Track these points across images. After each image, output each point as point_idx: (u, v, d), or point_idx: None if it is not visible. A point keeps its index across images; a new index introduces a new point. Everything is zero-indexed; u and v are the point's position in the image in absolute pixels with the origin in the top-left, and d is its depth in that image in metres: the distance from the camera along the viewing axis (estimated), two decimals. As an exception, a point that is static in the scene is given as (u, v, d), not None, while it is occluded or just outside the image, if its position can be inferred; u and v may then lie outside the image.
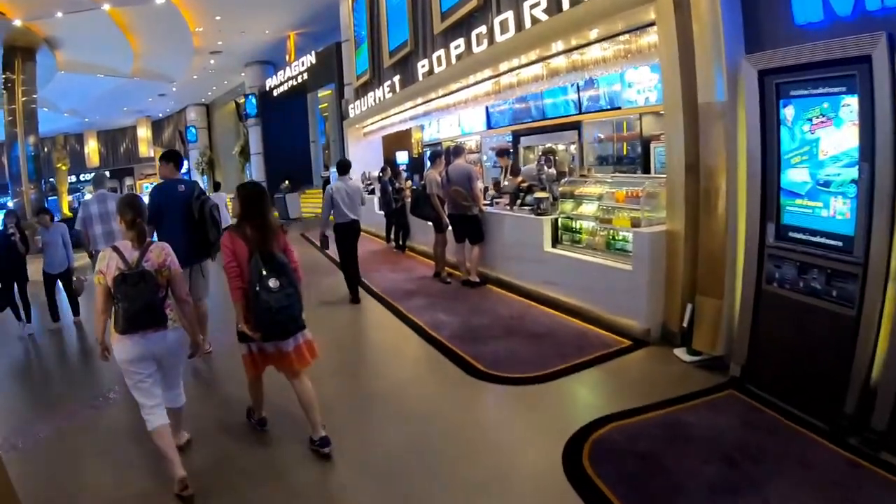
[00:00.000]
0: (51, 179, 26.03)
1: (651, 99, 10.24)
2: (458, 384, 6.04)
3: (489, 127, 15.92)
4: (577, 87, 11.94)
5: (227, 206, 14.07)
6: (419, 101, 14.60)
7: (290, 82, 26.76)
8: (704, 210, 6.04)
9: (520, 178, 10.01)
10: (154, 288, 4.14)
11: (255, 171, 32.30)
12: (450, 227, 10.21)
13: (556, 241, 8.64)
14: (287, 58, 27.48)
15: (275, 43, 27.50)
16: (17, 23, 20.09)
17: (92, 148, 46.80)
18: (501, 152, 11.88)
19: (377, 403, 5.75)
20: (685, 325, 6.25)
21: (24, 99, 23.49)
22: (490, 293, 9.45)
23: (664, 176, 7.10)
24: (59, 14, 19.67)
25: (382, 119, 18.21)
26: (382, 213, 15.39)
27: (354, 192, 9.56)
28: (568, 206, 8.48)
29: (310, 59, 24.91)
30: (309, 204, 28.03)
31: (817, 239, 4.65)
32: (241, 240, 4.43)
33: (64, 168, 25.79)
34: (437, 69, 12.78)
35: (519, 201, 9.61)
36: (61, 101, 33.07)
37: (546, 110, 13.25)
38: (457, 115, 17.07)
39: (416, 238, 13.84)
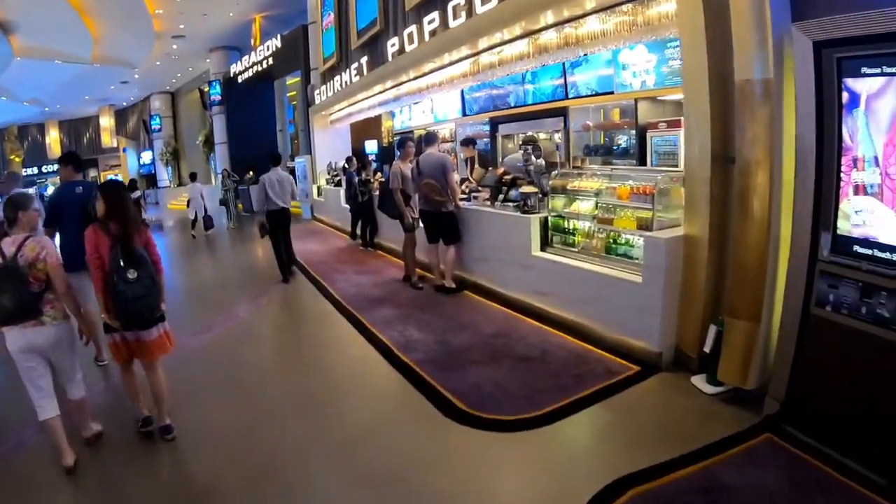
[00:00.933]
0: (4, 172, 24.31)
1: (648, 82, 9.16)
2: (433, 430, 4.88)
3: (465, 114, 14.72)
4: (564, 70, 10.86)
5: (202, 196, 14.72)
6: (389, 84, 13.41)
7: (256, 68, 25.48)
8: (738, 212, 4.89)
9: (501, 170, 8.91)
10: (23, 282, 4.26)
11: (220, 162, 30.88)
12: (421, 226, 9.09)
13: (545, 244, 7.50)
14: (252, 42, 26.19)
15: (240, 27, 26.27)
16: None
17: (53, 138, 44.74)
18: (466, 141, 10.79)
19: (333, 458, 4.56)
20: (707, 349, 5.16)
21: None
22: (468, 302, 8.31)
23: (677, 169, 6.03)
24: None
25: (350, 105, 16.98)
26: (348, 207, 14.16)
27: (285, 183, 10.67)
28: (559, 202, 7.36)
29: (275, 42, 23.59)
30: (275, 196, 26.67)
31: (888, 255, 3.63)
32: (104, 234, 4.59)
33: (18, 160, 24.41)
34: (408, 47, 11.63)
35: (502, 196, 8.47)
36: (20, 90, 31.72)
37: (528, 96, 12.14)
38: (429, 102, 16.02)
39: (384, 235, 12.64)
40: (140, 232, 4.78)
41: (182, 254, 16.62)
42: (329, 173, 18.56)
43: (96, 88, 34.75)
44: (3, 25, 21.36)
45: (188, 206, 19.84)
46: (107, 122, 42.81)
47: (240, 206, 21.27)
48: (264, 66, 24.60)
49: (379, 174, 14.13)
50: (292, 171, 21.61)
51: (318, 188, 19.85)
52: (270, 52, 23.93)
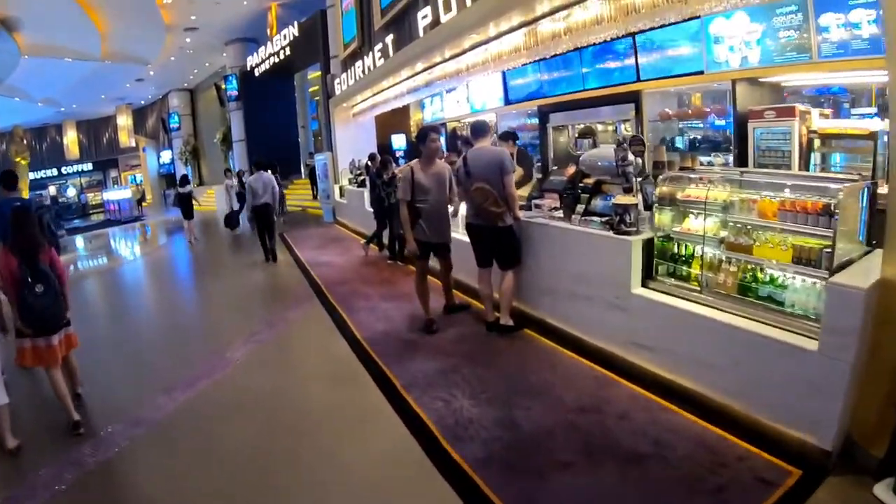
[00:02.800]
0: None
1: (751, 59, 7.16)
2: None
3: (507, 102, 12.64)
4: (634, 46, 8.84)
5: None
6: (419, 66, 11.34)
7: (273, 59, 24.06)
8: None
9: (572, 169, 6.75)
10: None
11: (238, 160, 29.73)
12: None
13: (648, 276, 5.35)
14: (268, 32, 24.59)
15: (256, 17, 24.74)
16: None
17: (71, 139, 44.49)
18: (506, 136, 8.65)
19: None
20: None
21: None
22: (533, 348, 6.16)
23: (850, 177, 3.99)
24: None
25: (374, 94, 14.92)
26: (372, 211, 12.14)
27: (267, 184, 12.51)
28: (667, 216, 5.24)
29: (292, 31, 22.00)
30: (296, 196, 25.02)
31: None
32: (12, 254, 5.11)
33: (24, 162, 23.24)
34: (444, 17, 9.55)
35: (582, 207, 6.21)
36: (34, 90, 30.89)
37: (586, 79, 10.07)
38: (465, 90, 13.97)
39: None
40: (44, 251, 5.29)
41: (189, 264, 14.84)
42: (351, 172, 16.53)
43: (111, 87, 33.95)
44: (7, 22, 20.88)
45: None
46: (124, 121, 41.83)
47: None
48: (282, 56, 23.18)
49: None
50: (312, 170, 21.90)
51: (340, 188, 17.83)
52: (287, 41, 22.48)
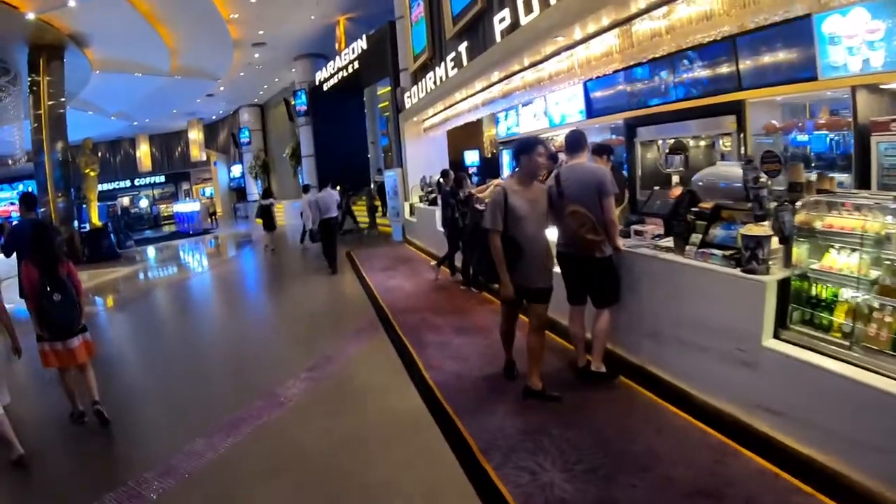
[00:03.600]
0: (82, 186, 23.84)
1: (874, 62, 6.08)
2: None
3: (589, 116, 11.72)
4: (735, 50, 7.90)
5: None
6: (495, 76, 10.48)
7: (341, 73, 23.50)
8: None
9: (679, 190, 5.79)
10: None
11: (307, 175, 29.53)
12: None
13: (781, 324, 4.33)
14: (336, 46, 24.09)
15: (324, 32, 24.42)
16: (31, 16, 17.89)
17: (144, 152, 45.63)
18: (601, 150, 7.61)
19: None
20: None
21: (50, 103, 21.52)
22: (633, 402, 5.22)
23: None
24: (72, 3, 17.15)
25: (446, 108, 14.14)
26: (444, 231, 11.34)
27: (330, 200, 13.93)
28: (803, 251, 4.28)
29: (360, 44, 21.38)
30: (364, 212, 24.41)
31: None
32: (34, 266, 5.56)
33: (93, 174, 23.17)
34: (524, 18, 8.65)
35: (698, 238, 5.07)
36: (107, 104, 31.70)
37: (678, 90, 9.13)
38: (542, 103, 13.10)
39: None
40: (62, 264, 5.75)
41: (251, 281, 14.29)
42: (423, 189, 15.80)
43: (182, 102, 34.52)
44: (77, 38, 21.16)
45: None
46: (195, 135, 42.52)
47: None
48: (350, 70, 22.65)
49: (489, 186, 11.00)
50: (381, 186, 21.42)
51: (411, 206, 17.09)
52: (356, 54, 21.88)
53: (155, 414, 6.23)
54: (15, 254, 7.98)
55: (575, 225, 5.28)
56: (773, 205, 4.39)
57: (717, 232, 4.86)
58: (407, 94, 16.35)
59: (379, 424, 5.34)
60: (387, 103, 27.44)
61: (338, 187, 15.16)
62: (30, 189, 29.44)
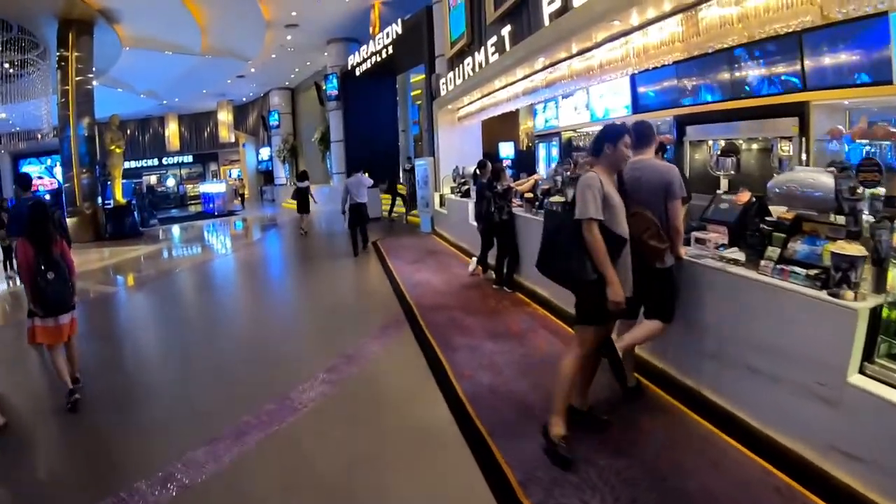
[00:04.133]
0: (107, 162, 24.13)
1: None
2: None
3: (635, 111, 11.12)
4: (801, 47, 7.37)
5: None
6: (539, 63, 9.87)
7: (375, 58, 22.99)
8: None
9: (746, 196, 5.15)
10: None
11: (336, 161, 29.20)
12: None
13: (868, 358, 3.69)
14: (370, 31, 23.63)
15: (358, 15, 23.92)
16: None
17: (172, 131, 45.61)
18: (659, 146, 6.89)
19: None
20: None
21: (78, 78, 21.53)
22: (686, 431, 4.58)
23: None
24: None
25: (483, 97, 13.55)
26: (476, 226, 10.75)
27: (363, 185, 14.46)
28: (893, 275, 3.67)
29: (395, 28, 20.85)
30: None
31: None
32: (30, 244, 5.73)
33: (118, 151, 23.12)
34: (576, 1, 8.04)
35: (775, 252, 4.35)
36: (137, 82, 31.78)
37: (734, 88, 8.59)
38: (584, 95, 12.55)
39: (529, 270, 9.08)
40: (56, 243, 5.92)
41: (273, 267, 13.87)
42: (455, 180, 15.21)
43: (212, 82, 34.30)
44: (107, 14, 21.20)
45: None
46: (224, 116, 42.50)
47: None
48: (384, 55, 22.11)
49: (529, 180, 10.34)
50: (412, 171, 20.77)
51: (441, 197, 16.54)
52: (390, 39, 21.34)
53: (156, 412, 5.74)
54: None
55: (638, 229, 4.56)
56: (869, 220, 3.79)
57: (799, 247, 4.18)
58: (442, 80, 15.76)
59: (401, 440, 4.80)
60: (419, 91, 27.12)
61: (366, 173, 15.10)
62: (56, 164, 29.56)
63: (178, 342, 8.34)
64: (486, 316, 8.03)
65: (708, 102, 9.21)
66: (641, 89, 10.90)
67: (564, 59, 9.10)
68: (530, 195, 9.40)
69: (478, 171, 10.17)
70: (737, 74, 8.56)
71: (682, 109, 9.77)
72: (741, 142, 8.68)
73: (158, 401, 6.06)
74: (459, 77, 13.95)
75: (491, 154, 16.53)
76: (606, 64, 8.05)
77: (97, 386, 6.32)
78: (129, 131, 45.14)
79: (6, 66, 22.61)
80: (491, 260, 10.10)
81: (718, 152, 7.62)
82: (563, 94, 13.11)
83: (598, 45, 8.05)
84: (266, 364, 6.88)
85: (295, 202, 20.48)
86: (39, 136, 25.15)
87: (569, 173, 8.00)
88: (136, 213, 24.20)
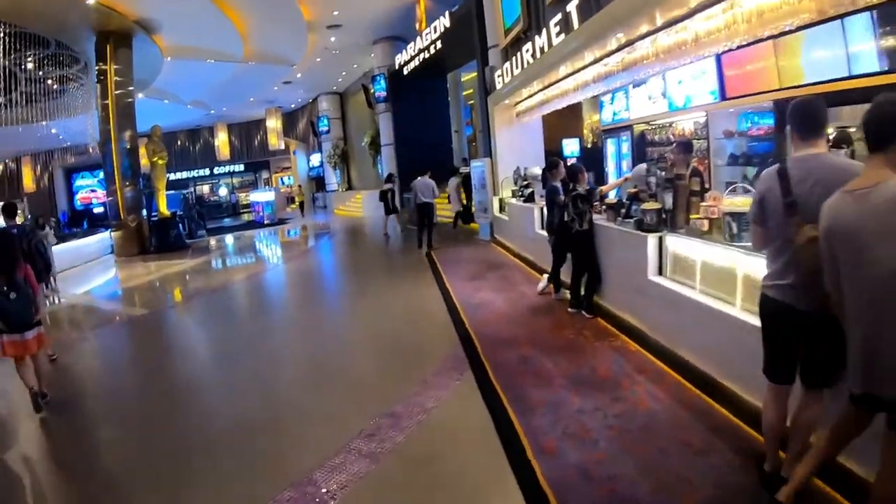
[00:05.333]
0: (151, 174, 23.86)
1: None
2: None
3: (723, 97, 9.50)
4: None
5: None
6: (613, 41, 8.16)
7: (423, 55, 21.66)
8: None
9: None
10: None
11: (386, 165, 28.05)
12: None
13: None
14: (417, 27, 22.20)
15: (404, 12, 22.66)
16: (91, 1, 17.52)
17: (222, 141, 44.87)
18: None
19: None
20: None
21: (118, 92, 21.36)
22: None
23: None
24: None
25: (544, 87, 11.94)
26: (546, 236, 9.26)
27: (428, 186, 15.47)
28: None
29: (443, 22, 19.54)
30: (448, 205, 22.56)
31: None
32: None
33: (161, 162, 22.58)
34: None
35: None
36: (182, 93, 31.44)
37: (859, 59, 6.94)
38: (659, 81, 11.00)
39: (612, 291, 7.62)
40: (20, 267, 6.30)
41: (315, 286, 12.48)
42: (516, 183, 13.66)
43: (258, 89, 33.72)
44: (144, 24, 20.77)
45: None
46: (273, 123, 41.53)
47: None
48: (432, 51, 20.80)
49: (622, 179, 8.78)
50: (467, 177, 19.46)
51: (501, 202, 14.95)
52: (438, 33, 20.00)
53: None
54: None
55: (814, 259, 3.08)
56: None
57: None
58: (497, 72, 14.14)
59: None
60: (472, 90, 26.12)
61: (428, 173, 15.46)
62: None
63: (185, 385, 7.14)
64: (565, 353, 6.48)
65: (820, 83, 7.54)
66: (730, 71, 9.28)
67: (647, 35, 7.51)
68: (612, 201, 7.84)
69: (546, 174, 8.64)
70: (861, 44, 6.90)
71: (786, 93, 8.08)
72: (853, 129, 6.94)
73: (133, 473, 4.81)
74: (517, 66, 12.37)
75: (553, 152, 14.97)
76: (705, 36, 6.44)
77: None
78: (178, 142, 45.77)
79: (49, 82, 22.92)
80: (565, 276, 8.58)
81: (829, 143, 6.02)
82: (635, 83, 11.58)
83: (693, 12, 6.46)
84: (289, 425, 5.49)
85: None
86: (91, 150, 25.36)
87: (664, 173, 6.42)
88: (180, 225, 23.71)
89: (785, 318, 3.42)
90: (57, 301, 13.13)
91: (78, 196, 44.18)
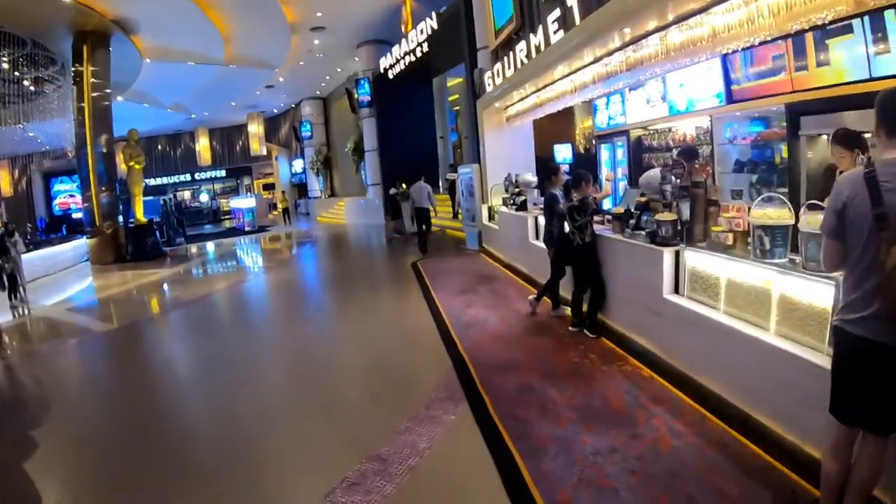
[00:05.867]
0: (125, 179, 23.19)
1: None
2: None
3: (730, 100, 8.92)
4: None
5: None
6: (615, 39, 7.62)
7: (408, 58, 21.16)
8: None
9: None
10: None
11: (370, 172, 27.58)
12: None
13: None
14: (403, 29, 21.65)
15: (389, 13, 22.18)
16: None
17: (203, 145, 44.36)
18: (847, 139, 4.52)
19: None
20: None
21: (94, 94, 20.53)
22: None
23: None
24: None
25: (538, 90, 11.32)
26: (544, 248, 8.63)
27: (423, 191, 16.11)
28: None
29: (430, 23, 19.01)
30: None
31: None
32: None
33: (137, 167, 21.84)
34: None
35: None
36: (162, 96, 30.93)
37: (880, 61, 6.27)
38: (658, 84, 10.49)
39: (618, 306, 7.02)
40: None
41: (297, 297, 11.79)
42: (507, 190, 12.98)
43: (240, 94, 33.25)
44: (123, 24, 20.20)
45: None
46: (255, 128, 40.90)
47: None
48: (418, 54, 20.26)
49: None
50: (452, 184, 19.90)
51: (490, 210, 14.25)
52: (425, 35, 19.50)
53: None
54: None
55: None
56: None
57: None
58: (487, 74, 13.49)
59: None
60: (457, 96, 26.06)
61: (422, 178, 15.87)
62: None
63: (127, 420, 6.19)
64: (571, 379, 5.84)
65: (837, 85, 6.94)
66: (736, 74, 8.71)
67: (654, 32, 6.91)
68: (619, 210, 7.21)
69: (548, 183, 8.01)
70: (884, 44, 6.31)
71: (798, 96, 7.50)
72: (869, 135, 6.36)
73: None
74: (509, 68, 11.74)
75: (545, 158, 14.39)
76: (723, 31, 5.85)
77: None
78: (159, 147, 45.59)
79: (25, 83, 22.35)
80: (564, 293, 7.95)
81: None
82: (632, 86, 11.01)
83: (709, 5, 5.87)
84: (257, 469, 4.69)
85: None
86: (69, 154, 24.91)
87: (679, 180, 5.80)
88: (157, 232, 23.02)
89: (870, 356, 2.82)
90: (26, 312, 12.60)
91: (56, 201, 43.46)
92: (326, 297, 12.29)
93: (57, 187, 43.42)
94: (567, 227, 7.24)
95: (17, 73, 20.88)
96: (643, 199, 6.52)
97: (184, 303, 12.63)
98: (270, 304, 12.39)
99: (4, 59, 19.47)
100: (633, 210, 6.75)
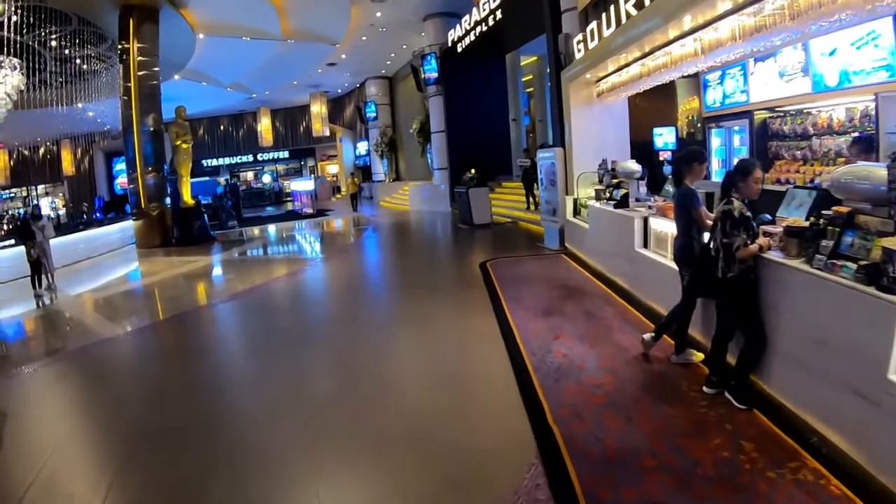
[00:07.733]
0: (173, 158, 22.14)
1: None
2: None
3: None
4: None
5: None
6: None
7: (479, 28, 19.29)
8: None
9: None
10: None
11: (437, 155, 25.79)
12: None
13: None
14: (473, -1, 19.74)
15: None
16: None
17: (265, 126, 42.95)
18: None
19: None
20: None
21: (141, 73, 19.83)
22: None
23: None
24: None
25: (644, 55, 9.00)
26: (675, 266, 6.13)
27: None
28: None
29: (503, -13, 16.79)
30: (504, 202, 19.91)
31: None
32: None
33: (185, 146, 20.75)
34: None
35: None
36: (220, 75, 30.33)
37: None
38: (795, 54, 8.17)
39: (785, 360, 4.67)
40: None
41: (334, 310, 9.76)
42: (601, 180, 10.67)
43: (301, 71, 32.14)
44: None
45: None
46: (318, 109, 39.31)
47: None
48: (490, 23, 18.39)
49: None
50: (525, 171, 18.34)
51: (577, 203, 11.93)
52: (498, 2, 17.61)
53: None
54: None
55: None
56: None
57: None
58: (577, 38, 11.10)
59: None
60: (531, 76, 25.16)
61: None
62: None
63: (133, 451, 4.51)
64: (722, 492, 3.62)
65: None
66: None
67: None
68: (799, 222, 4.76)
69: (678, 172, 5.70)
70: None
71: None
72: None
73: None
74: (608, 27, 9.38)
75: (642, 143, 12.13)
76: None
77: None
78: (221, 127, 45.69)
79: (78, 62, 21.75)
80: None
81: None
82: (755, 58, 8.77)
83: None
84: None
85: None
86: None
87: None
88: (205, 215, 21.86)
89: None
90: (49, 302, 11.86)
91: (118, 180, 42.89)
92: (372, 310, 9.83)
93: (119, 166, 42.68)
94: (713, 245, 4.91)
95: (67, 52, 20.19)
96: (842, 208, 4.15)
97: (215, 301, 11.23)
98: (298, 316, 10.01)
99: (53, 37, 18.77)
100: (820, 224, 4.35)
